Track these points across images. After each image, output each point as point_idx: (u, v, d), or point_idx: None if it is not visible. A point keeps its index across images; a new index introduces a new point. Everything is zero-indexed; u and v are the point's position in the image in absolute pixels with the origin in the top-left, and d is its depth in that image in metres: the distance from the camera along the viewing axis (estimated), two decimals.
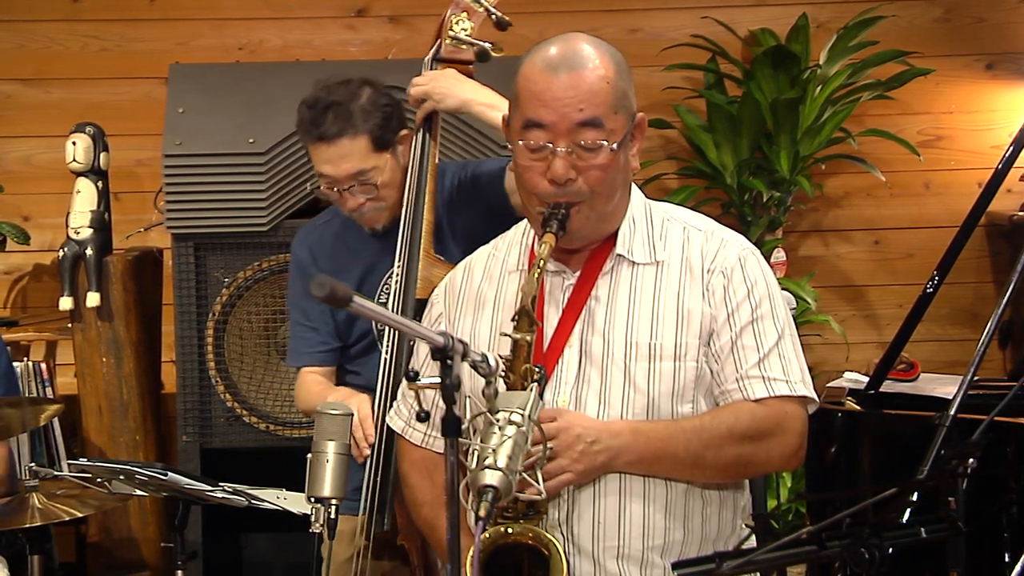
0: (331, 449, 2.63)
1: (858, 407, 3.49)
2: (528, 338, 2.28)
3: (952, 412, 2.61)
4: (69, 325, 4.42)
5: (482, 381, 2.17)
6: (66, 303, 4.34)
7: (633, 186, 2.49)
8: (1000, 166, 3.38)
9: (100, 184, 4.42)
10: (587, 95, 2.31)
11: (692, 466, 2.37)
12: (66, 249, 4.36)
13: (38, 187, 5.00)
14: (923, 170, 5.13)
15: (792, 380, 2.40)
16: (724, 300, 2.40)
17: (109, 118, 4.62)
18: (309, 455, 2.65)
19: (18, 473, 3.77)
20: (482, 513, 2.00)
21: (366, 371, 3.22)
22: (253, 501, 3.23)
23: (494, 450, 2.04)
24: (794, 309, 2.75)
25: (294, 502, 3.18)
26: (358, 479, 2.97)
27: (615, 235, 2.44)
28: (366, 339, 3.27)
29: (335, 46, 5.08)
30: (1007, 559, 3.08)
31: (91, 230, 4.36)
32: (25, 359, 4.56)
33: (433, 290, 2.97)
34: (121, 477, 3.35)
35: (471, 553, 2.03)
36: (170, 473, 3.26)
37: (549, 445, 2.23)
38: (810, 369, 2.47)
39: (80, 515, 3.59)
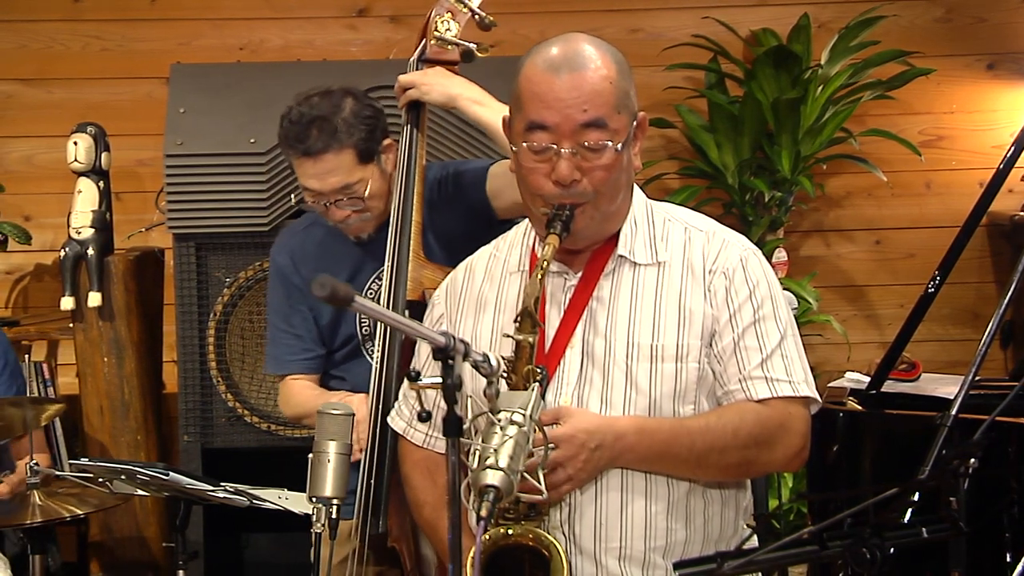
0: (332, 449, 2.63)
1: (859, 407, 3.49)
2: (531, 339, 2.28)
3: (953, 412, 2.61)
4: (70, 325, 4.42)
5: (484, 381, 2.17)
6: (67, 303, 4.34)
7: (635, 186, 2.49)
8: (1001, 166, 3.38)
9: (101, 184, 4.42)
10: (590, 96, 2.31)
11: (696, 465, 2.37)
12: (67, 249, 4.36)
13: (39, 187, 5.00)
14: (924, 170, 5.13)
15: (795, 380, 2.40)
16: (726, 301, 2.40)
17: (110, 118, 4.62)
18: (310, 455, 2.65)
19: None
20: (484, 513, 2.00)
21: (352, 376, 3.22)
22: (254, 501, 3.23)
23: (495, 450, 2.04)
24: (795, 309, 2.74)
25: (295, 502, 3.18)
26: (352, 482, 2.97)
27: (617, 236, 2.44)
28: (350, 344, 3.26)
29: (336, 46, 5.08)
30: (1008, 559, 3.08)
31: (92, 230, 4.36)
32: (26, 359, 4.57)
33: (422, 291, 2.97)
34: (122, 477, 3.35)
35: (472, 553, 2.03)
36: (171, 473, 3.26)
37: (551, 446, 2.23)
38: (812, 369, 2.47)
39: (81, 514, 3.59)
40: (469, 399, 2.24)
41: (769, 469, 2.62)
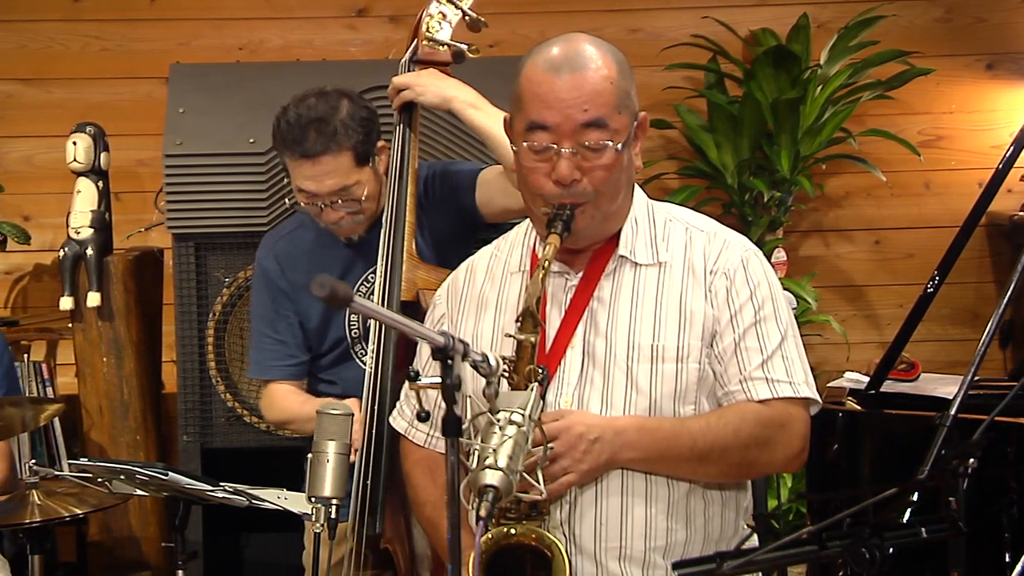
0: (331, 449, 2.63)
1: (859, 407, 3.49)
2: (532, 339, 2.28)
3: (953, 412, 2.61)
4: (70, 325, 4.41)
5: (484, 381, 2.17)
6: (67, 303, 4.33)
7: (636, 187, 2.49)
8: (1000, 166, 3.38)
9: (101, 184, 4.41)
10: (591, 96, 2.31)
11: (697, 464, 2.38)
12: (67, 249, 4.35)
13: (39, 187, 5.00)
14: (923, 170, 5.13)
15: (795, 381, 2.40)
16: (727, 302, 2.41)
17: (110, 118, 4.62)
18: (309, 455, 2.65)
19: (18, 472, 3.77)
20: (483, 513, 2.00)
21: (342, 380, 3.22)
22: (254, 501, 3.23)
23: (495, 450, 2.05)
24: (795, 309, 2.74)
25: (295, 502, 3.17)
26: (348, 484, 2.97)
27: (618, 236, 2.44)
28: (339, 347, 3.25)
29: (336, 46, 5.08)
30: (1007, 559, 3.08)
31: (92, 230, 4.36)
32: (26, 359, 4.56)
33: (416, 292, 2.97)
34: (122, 477, 3.35)
35: (472, 553, 2.03)
36: (171, 473, 3.25)
37: (551, 445, 2.23)
38: (811, 369, 2.47)
39: (80, 514, 3.59)
40: (468, 399, 2.24)
41: (769, 470, 2.62)
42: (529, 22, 4.98)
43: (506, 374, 2.26)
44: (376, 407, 2.97)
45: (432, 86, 3.09)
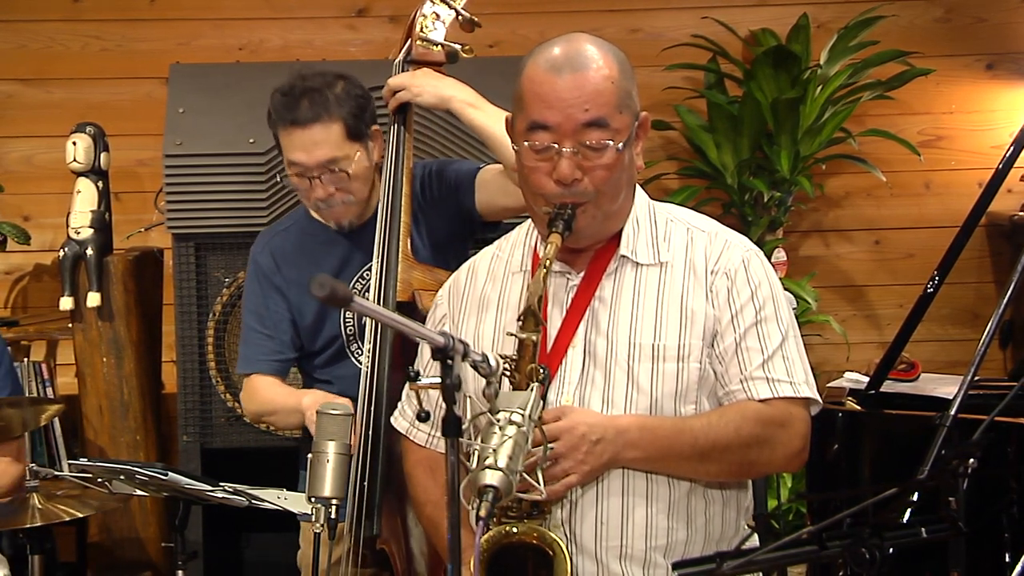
0: (332, 449, 2.63)
1: (859, 407, 3.49)
2: (534, 337, 2.28)
3: (953, 412, 2.61)
4: (70, 325, 4.42)
5: (485, 381, 2.17)
6: (67, 303, 4.34)
7: (637, 187, 2.49)
8: (1000, 166, 3.38)
9: (101, 184, 4.41)
10: (592, 95, 2.31)
11: (698, 463, 2.38)
12: (67, 249, 4.35)
13: (39, 187, 5.00)
14: (923, 170, 5.13)
15: (796, 381, 2.41)
16: (728, 302, 2.41)
17: (110, 118, 4.62)
18: (309, 455, 2.65)
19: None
20: (482, 513, 2.00)
21: (338, 379, 3.20)
22: (254, 501, 3.23)
23: (494, 450, 2.05)
24: (795, 309, 2.74)
25: (295, 502, 3.18)
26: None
27: (619, 236, 2.44)
28: (334, 345, 3.24)
29: (336, 46, 5.08)
30: (1008, 559, 3.08)
31: (92, 230, 4.36)
32: (25, 359, 4.56)
33: (412, 292, 2.96)
34: (121, 477, 3.35)
35: (472, 553, 2.03)
36: (171, 473, 3.25)
37: (552, 446, 2.23)
38: (811, 369, 2.47)
39: (80, 515, 3.59)
40: (469, 399, 2.24)
41: (769, 469, 2.62)
42: (529, 22, 4.98)
43: (507, 373, 2.26)
44: (372, 407, 2.96)
45: (429, 86, 3.09)
